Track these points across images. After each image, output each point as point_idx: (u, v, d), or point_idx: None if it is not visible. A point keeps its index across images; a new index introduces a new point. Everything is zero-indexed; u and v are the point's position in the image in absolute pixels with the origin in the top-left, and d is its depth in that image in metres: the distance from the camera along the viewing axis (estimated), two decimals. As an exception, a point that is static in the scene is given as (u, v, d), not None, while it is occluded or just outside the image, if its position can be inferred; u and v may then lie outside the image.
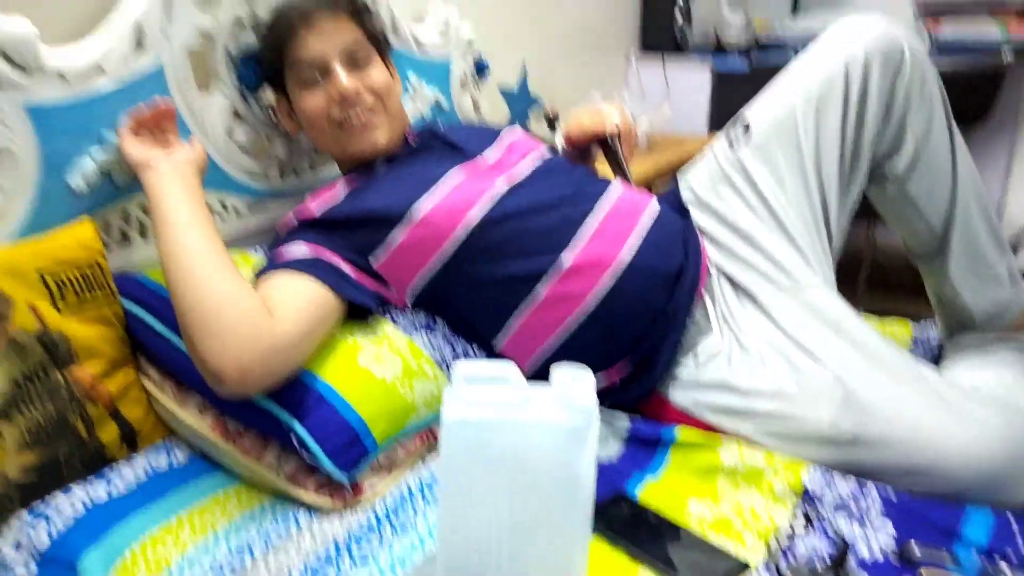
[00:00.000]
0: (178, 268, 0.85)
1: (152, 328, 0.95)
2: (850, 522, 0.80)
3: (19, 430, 0.82)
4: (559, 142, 1.31)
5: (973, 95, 2.06)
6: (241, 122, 1.21)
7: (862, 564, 0.74)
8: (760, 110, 1.13)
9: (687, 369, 0.99)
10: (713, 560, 0.76)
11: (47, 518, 0.80)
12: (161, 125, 1.00)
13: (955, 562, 0.74)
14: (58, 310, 0.89)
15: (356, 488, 0.86)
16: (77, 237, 0.95)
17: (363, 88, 1.10)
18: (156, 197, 0.92)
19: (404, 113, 1.20)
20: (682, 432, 0.93)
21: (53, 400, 0.85)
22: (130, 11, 1.02)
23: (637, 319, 0.99)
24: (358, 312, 0.97)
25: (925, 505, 0.81)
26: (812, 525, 0.80)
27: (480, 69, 1.67)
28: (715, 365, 0.98)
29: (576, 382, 0.69)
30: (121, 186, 1.04)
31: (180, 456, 0.93)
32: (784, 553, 0.76)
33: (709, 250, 1.10)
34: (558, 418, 0.67)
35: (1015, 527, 0.77)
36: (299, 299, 0.89)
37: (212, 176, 1.13)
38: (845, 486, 0.84)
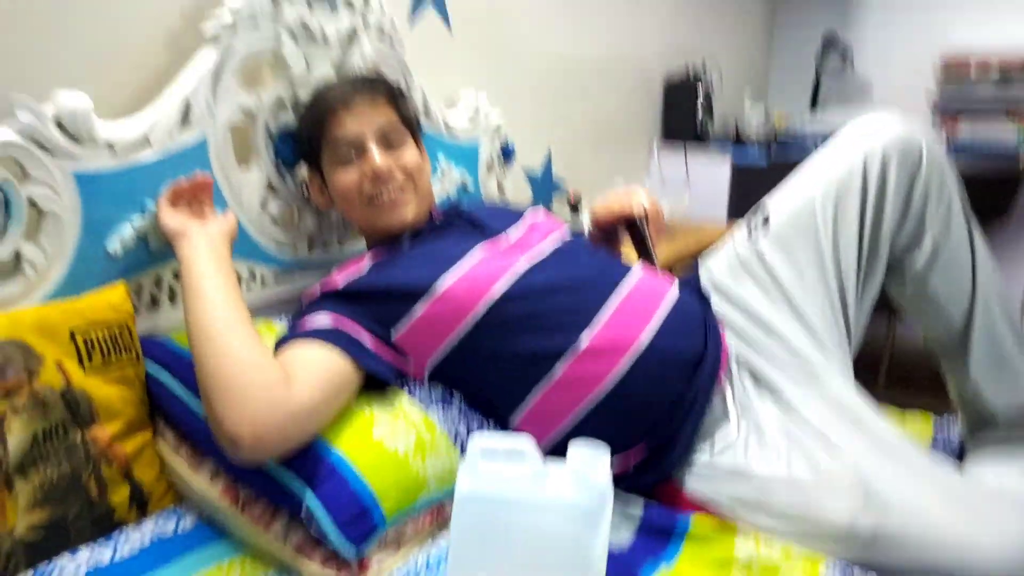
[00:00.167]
0: (202, 333, 0.88)
1: (173, 391, 0.96)
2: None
3: (32, 487, 0.82)
4: (586, 224, 1.35)
5: (992, 194, 2.08)
6: (275, 195, 1.25)
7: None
8: (780, 201, 1.15)
9: (703, 457, 0.98)
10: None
11: (51, 580, 0.79)
12: (198, 196, 1.06)
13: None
14: (84, 370, 0.91)
15: (363, 564, 0.84)
16: (109, 299, 0.98)
17: (395, 167, 1.15)
18: (188, 265, 0.96)
19: (432, 192, 1.24)
20: (697, 522, 0.92)
21: (69, 459, 0.86)
22: (180, 88, 1.08)
23: (655, 404, 0.99)
24: (376, 383, 0.98)
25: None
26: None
27: (507, 154, 1.73)
28: (732, 454, 0.97)
29: (592, 459, 0.68)
30: (155, 252, 1.08)
31: (187, 522, 0.92)
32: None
33: (729, 337, 1.10)
34: (573, 497, 0.67)
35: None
36: (318, 368, 0.90)
37: (243, 245, 1.16)
38: (864, 584, 0.81)
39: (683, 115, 2.47)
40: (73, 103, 0.95)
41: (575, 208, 1.93)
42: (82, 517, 0.86)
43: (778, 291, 1.08)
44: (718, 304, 1.15)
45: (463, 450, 0.94)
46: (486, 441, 0.70)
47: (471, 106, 1.64)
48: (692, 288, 1.17)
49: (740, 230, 1.17)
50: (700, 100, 2.43)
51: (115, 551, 0.85)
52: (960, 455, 1.13)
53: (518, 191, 1.88)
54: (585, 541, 0.67)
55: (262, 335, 0.92)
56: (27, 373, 0.85)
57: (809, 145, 2.41)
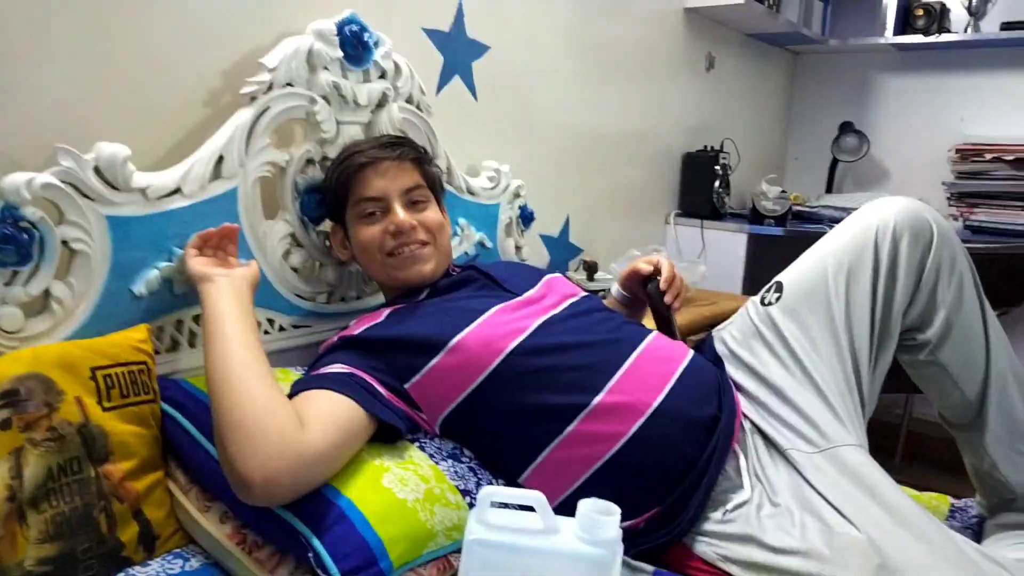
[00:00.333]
0: (220, 374, 0.89)
1: (187, 432, 0.97)
2: None
3: (44, 520, 0.82)
4: (614, 289, 1.38)
5: (1009, 276, 2.08)
6: (298, 247, 1.28)
7: None
8: (793, 273, 1.16)
9: (715, 520, 0.97)
10: None
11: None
12: (223, 244, 1.09)
13: None
14: (102, 407, 0.92)
15: (368, 613, 0.83)
16: (131, 340, 1.00)
17: (417, 223, 1.18)
18: (211, 308, 0.98)
19: (451, 251, 1.28)
20: (707, 586, 0.90)
21: (81, 494, 0.86)
22: (215, 142, 1.13)
23: (668, 467, 0.98)
24: (387, 433, 0.98)
25: None
26: None
27: (525, 218, 1.77)
28: (744, 519, 0.95)
29: (602, 516, 0.68)
30: (178, 296, 1.10)
31: (194, 563, 0.91)
32: None
33: (743, 404, 1.10)
34: (582, 548, 0.66)
35: None
36: (331, 415, 0.91)
37: (263, 294, 1.19)
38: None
39: (700, 190, 2.52)
40: (113, 152, 1.00)
41: (592, 274, 1.95)
42: (91, 552, 0.85)
43: (792, 359, 1.08)
44: (731, 371, 1.15)
45: (472, 505, 0.93)
46: (497, 492, 0.70)
47: (492, 169, 1.68)
48: (706, 355, 1.18)
49: (753, 301, 1.18)
50: (718, 176, 2.48)
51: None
52: (979, 536, 1.10)
53: (535, 255, 1.91)
54: (593, 595, 0.66)
55: (278, 382, 0.93)
56: (47, 407, 0.86)
57: (825, 220, 2.44)
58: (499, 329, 1.05)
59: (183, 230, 1.09)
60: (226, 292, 1.00)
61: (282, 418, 0.86)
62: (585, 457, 0.99)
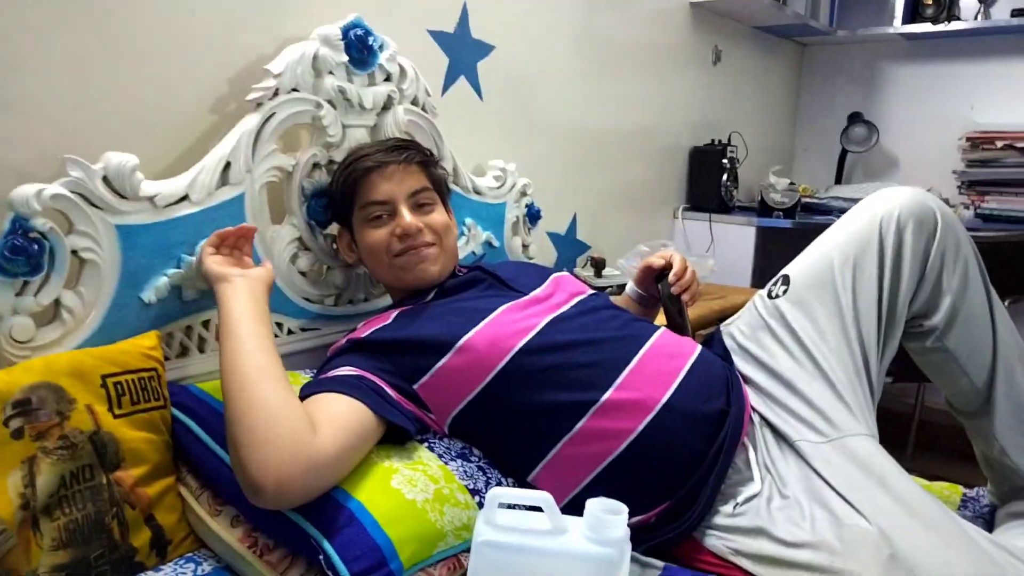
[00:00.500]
0: (235, 376, 0.89)
1: (198, 437, 0.97)
2: None
3: (57, 527, 0.84)
4: (629, 288, 1.39)
5: (1021, 263, 2.06)
6: (305, 251, 1.29)
7: None
8: (799, 265, 1.16)
9: (726, 514, 0.97)
10: None
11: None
12: (238, 244, 1.10)
13: None
14: (113, 414, 0.93)
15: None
16: (141, 347, 1.01)
17: (424, 226, 1.19)
18: (227, 308, 0.98)
19: (457, 252, 1.28)
20: (718, 582, 0.90)
21: (94, 501, 0.87)
22: (221, 149, 1.14)
23: (677, 462, 0.98)
24: (397, 435, 0.98)
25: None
26: None
27: (532, 217, 1.77)
28: (754, 512, 0.95)
29: (610, 515, 0.68)
30: (188, 303, 1.11)
31: (206, 567, 0.92)
32: None
33: (751, 396, 1.10)
34: (589, 550, 0.66)
35: None
36: (342, 419, 0.91)
37: (272, 298, 1.18)
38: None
39: (708, 184, 2.51)
40: (121, 161, 1.01)
41: (599, 270, 1.95)
42: (104, 559, 0.86)
43: (800, 350, 1.08)
44: (740, 364, 1.15)
45: (481, 505, 0.93)
46: (505, 493, 0.71)
47: (498, 168, 1.68)
48: (714, 349, 1.18)
49: (761, 295, 1.18)
50: (726, 170, 2.47)
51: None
52: (990, 525, 1.10)
53: (543, 253, 1.91)
54: (602, 594, 0.66)
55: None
56: (59, 416, 0.87)
57: (835, 212, 2.42)
58: (507, 328, 1.06)
59: (191, 237, 1.10)
60: (243, 292, 1.00)
61: (295, 423, 0.86)
62: (595, 454, 0.99)
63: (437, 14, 1.60)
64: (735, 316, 1.22)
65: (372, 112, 1.34)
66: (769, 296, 1.15)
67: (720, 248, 2.41)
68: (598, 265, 1.96)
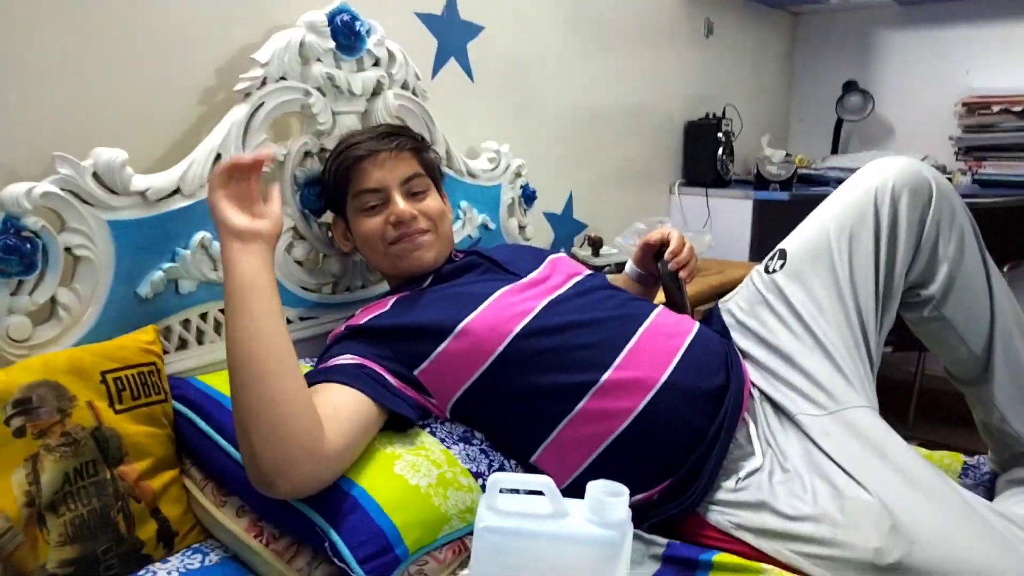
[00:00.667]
0: (251, 363, 0.84)
1: (201, 430, 0.98)
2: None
3: (63, 523, 0.84)
4: (628, 267, 1.38)
5: (1019, 228, 2.06)
6: (301, 240, 1.29)
7: None
8: (795, 239, 1.16)
9: (727, 489, 0.97)
10: None
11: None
12: (249, 176, 0.96)
13: None
14: (114, 409, 0.93)
15: (385, 599, 0.84)
16: (139, 342, 1.01)
17: (418, 212, 1.18)
18: (236, 273, 0.89)
19: (452, 237, 1.27)
20: (721, 556, 0.90)
21: (99, 496, 0.88)
22: (212, 140, 1.13)
23: (678, 439, 0.99)
24: (399, 421, 0.99)
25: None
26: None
27: (528, 198, 1.76)
28: (756, 486, 0.95)
29: (611, 497, 0.69)
30: (184, 295, 1.11)
31: (213, 557, 0.93)
32: None
33: (751, 371, 1.10)
34: (591, 532, 0.67)
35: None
36: (345, 411, 0.91)
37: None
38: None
39: (704, 159, 2.49)
40: (110, 157, 1.00)
41: (596, 249, 1.95)
42: (111, 552, 0.87)
43: (799, 324, 1.08)
44: (739, 340, 1.15)
45: (484, 487, 0.94)
46: (505, 478, 0.71)
47: (492, 150, 1.67)
48: (713, 326, 1.18)
49: (758, 270, 1.18)
50: (721, 144, 2.46)
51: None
52: (991, 493, 1.10)
53: (539, 233, 1.90)
54: (605, 574, 0.66)
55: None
56: (60, 413, 0.88)
57: (831, 182, 2.41)
58: (505, 312, 1.06)
59: (185, 230, 1.09)
60: (258, 259, 0.90)
61: (311, 422, 0.85)
62: (596, 434, 0.99)
63: (424, -4, 1.58)
64: (733, 292, 1.22)
65: (362, 98, 1.33)
66: (766, 271, 1.15)
67: (717, 223, 2.41)
68: (596, 244, 1.95)
